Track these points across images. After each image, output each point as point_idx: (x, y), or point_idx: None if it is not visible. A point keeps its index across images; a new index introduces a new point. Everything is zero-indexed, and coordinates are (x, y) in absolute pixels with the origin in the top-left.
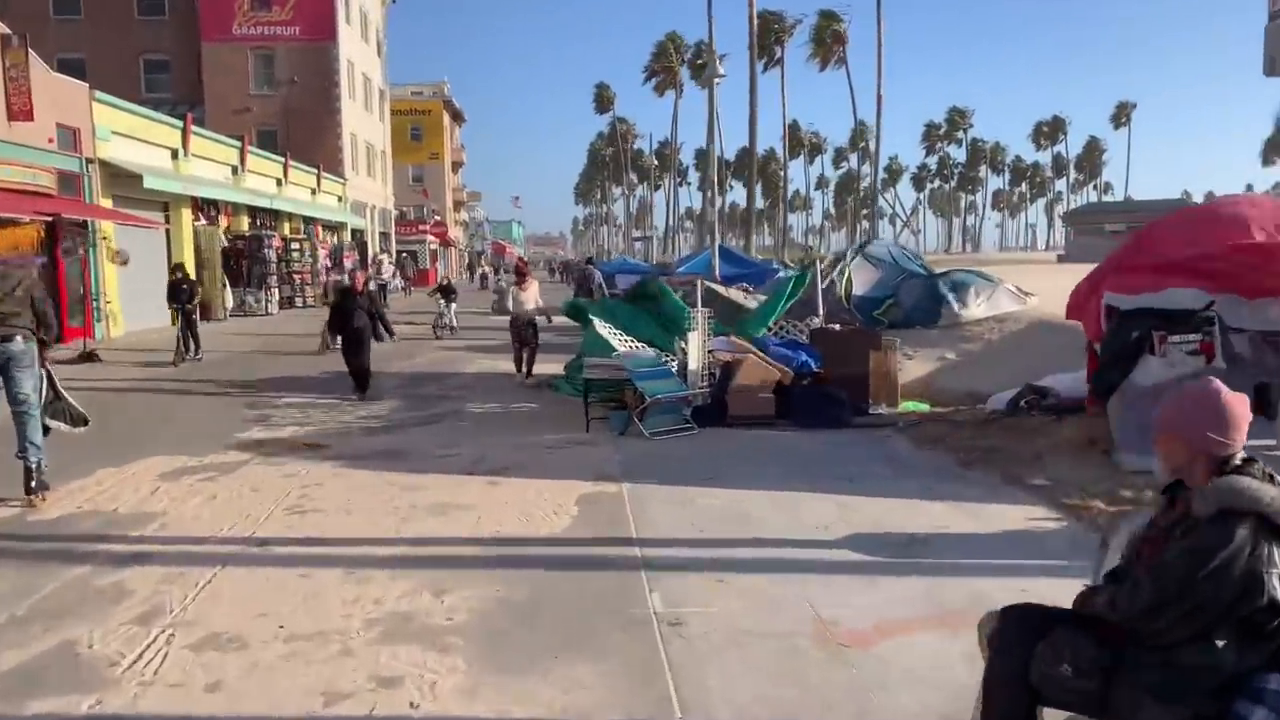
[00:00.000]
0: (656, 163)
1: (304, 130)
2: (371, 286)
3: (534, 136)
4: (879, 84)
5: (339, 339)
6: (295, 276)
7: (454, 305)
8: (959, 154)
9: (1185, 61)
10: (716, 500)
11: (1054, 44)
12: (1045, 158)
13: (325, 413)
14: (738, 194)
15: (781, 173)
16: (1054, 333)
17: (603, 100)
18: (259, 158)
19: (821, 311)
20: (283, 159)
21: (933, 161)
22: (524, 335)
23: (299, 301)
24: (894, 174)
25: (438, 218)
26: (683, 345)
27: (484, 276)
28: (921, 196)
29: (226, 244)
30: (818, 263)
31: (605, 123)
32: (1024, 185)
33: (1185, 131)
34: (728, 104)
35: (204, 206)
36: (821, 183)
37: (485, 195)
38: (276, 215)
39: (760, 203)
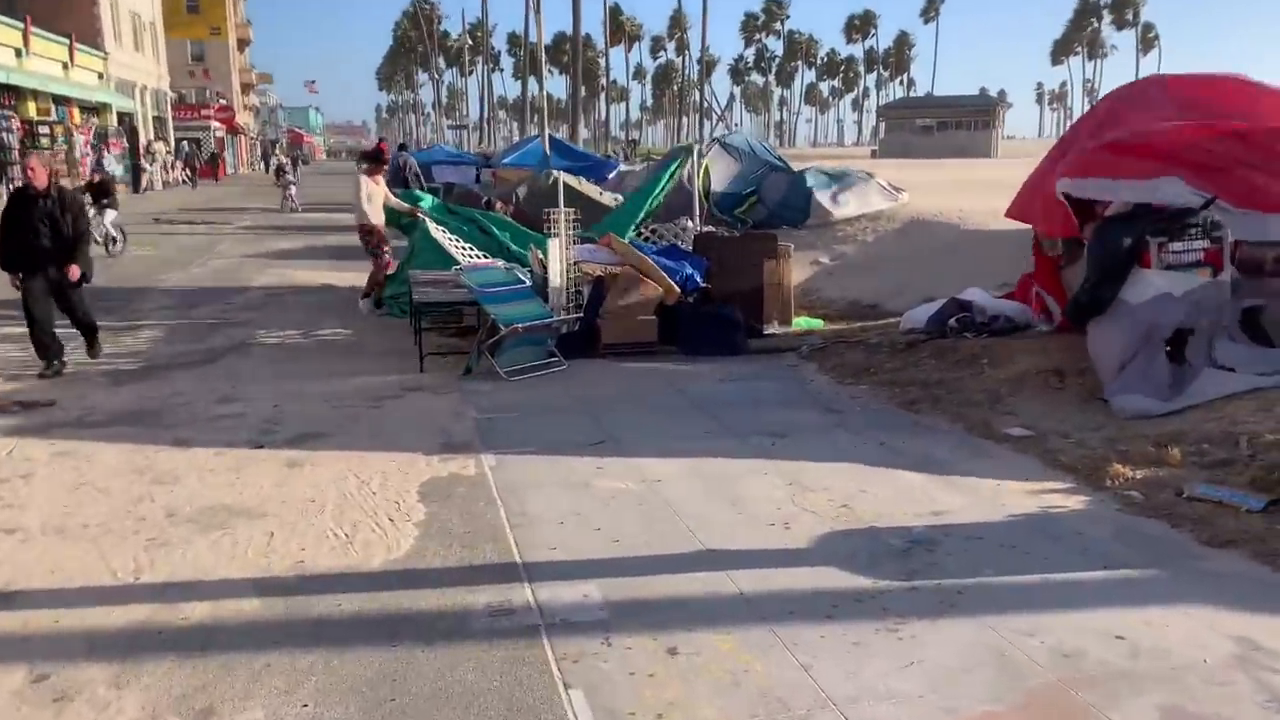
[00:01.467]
0: (471, 43)
1: None
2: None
3: (330, 13)
4: None
5: (20, 278)
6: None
7: (111, 215)
8: (776, 46)
9: None
10: (621, 479)
11: None
12: (858, 52)
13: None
14: (555, 84)
15: (601, 61)
16: (931, 232)
17: None
18: None
19: (698, 212)
20: (21, 24)
21: (750, 54)
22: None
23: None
24: (710, 66)
25: (223, 101)
26: (540, 255)
27: (280, 169)
28: (737, 90)
29: None
30: (696, 149)
31: (409, 0)
32: (835, 80)
33: (984, 30)
34: None
35: None
36: (639, 73)
37: (278, 79)
38: (18, 93)
39: (565, 92)
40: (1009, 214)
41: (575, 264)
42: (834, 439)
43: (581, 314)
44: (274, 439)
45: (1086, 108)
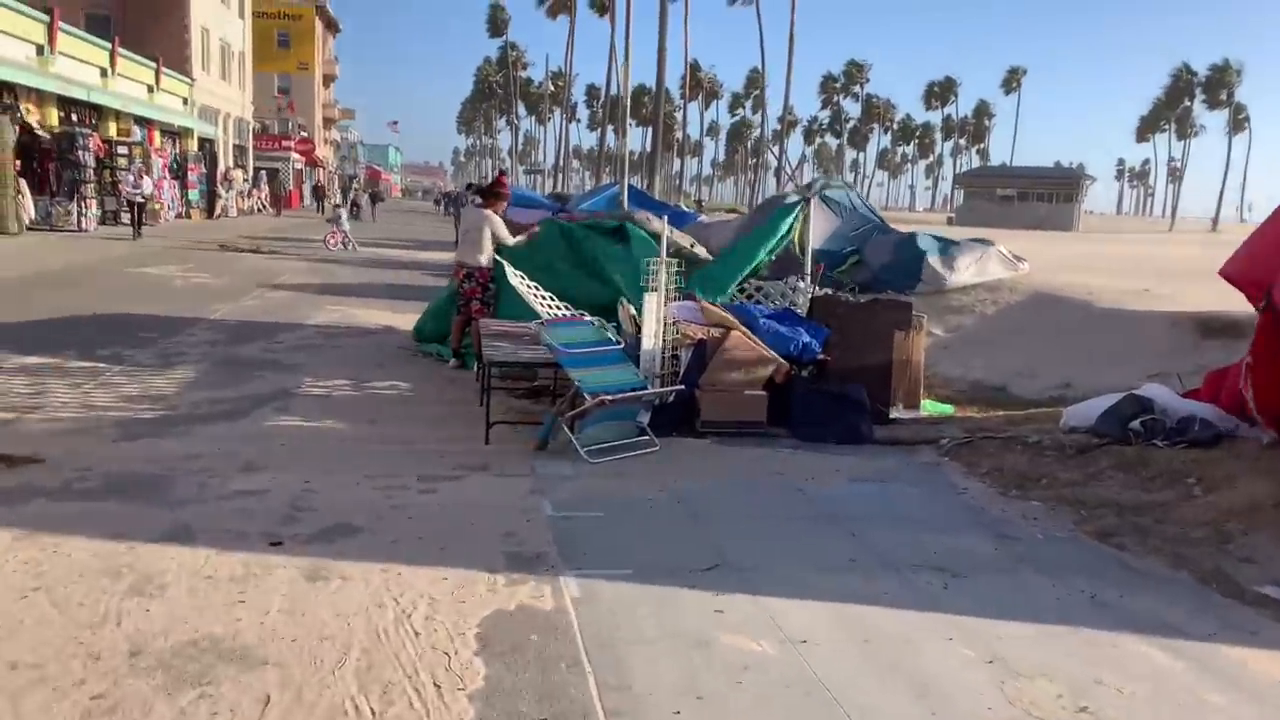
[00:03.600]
0: (553, 89)
1: (144, 18)
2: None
3: (417, 57)
4: (792, 19)
5: None
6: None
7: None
8: (854, 109)
9: (1073, 36)
10: (751, 635)
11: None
12: (935, 118)
13: (70, 384)
14: (631, 135)
15: (678, 114)
16: (1059, 308)
17: (497, 23)
18: (75, 39)
19: (809, 270)
20: (109, 44)
21: (826, 116)
22: (477, 295)
23: (126, 217)
24: (788, 126)
25: (304, 133)
26: (632, 311)
27: (356, 205)
28: (807, 151)
29: (25, 138)
30: (815, 195)
31: (496, 47)
32: (909, 146)
33: (1063, 105)
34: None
35: None
36: (713, 129)
37: (360, 116)
38: (100, 112)
39: (644, 144)
40: (1227, 272)
41: (674, 323)
42: (1023, 583)
43: (678, 383)
44: (297, 533)
45: (1169, 186)
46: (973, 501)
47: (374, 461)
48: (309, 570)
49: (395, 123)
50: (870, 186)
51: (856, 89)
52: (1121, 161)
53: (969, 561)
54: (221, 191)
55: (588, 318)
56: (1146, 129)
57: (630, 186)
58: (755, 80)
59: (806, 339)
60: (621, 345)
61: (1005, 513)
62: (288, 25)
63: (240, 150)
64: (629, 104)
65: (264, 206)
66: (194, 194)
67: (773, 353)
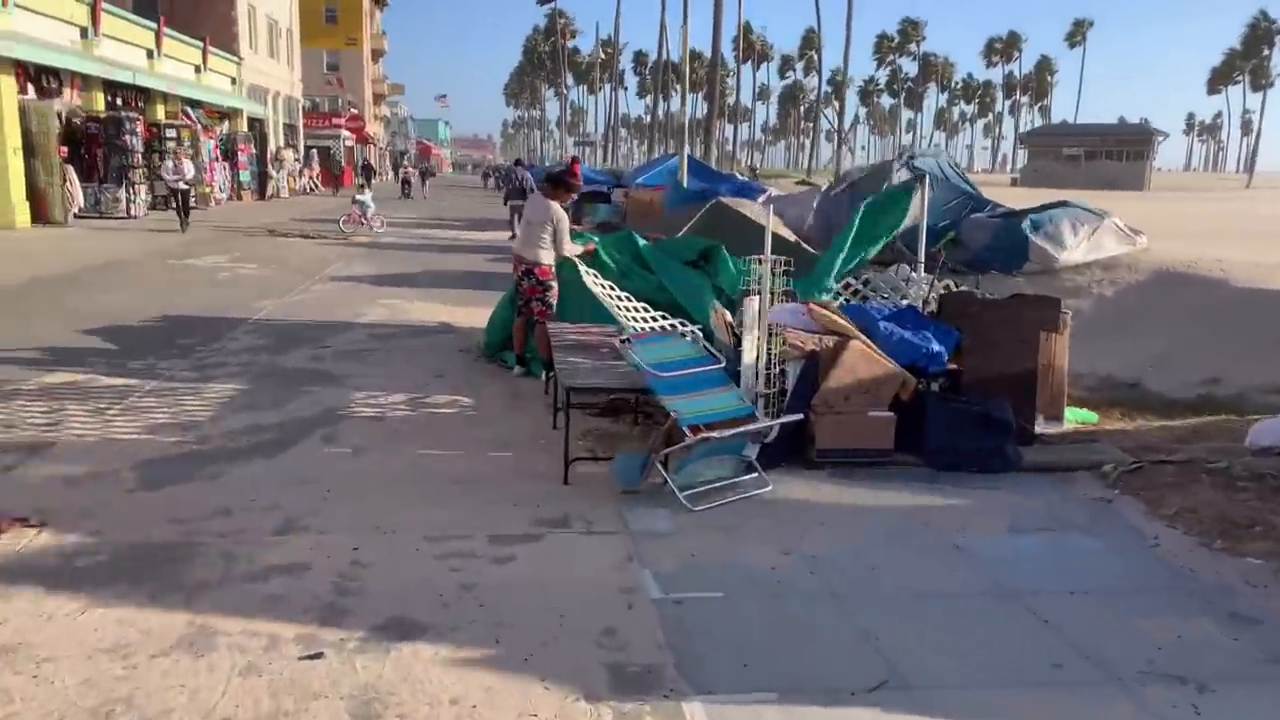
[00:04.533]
0: (603, 56)
1: None
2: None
3: (464, 27)
4: None
5: None
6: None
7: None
8: (910, 68)
9: None
10: None
11: None
12: (996, 75)
13: (93, 409)
14: (674, 101)
15: (730, 80)
16: (1189, 288)
17: None
18: (119, 19)
19: (924, 257)
20: (155, 25)
21: (882, 76)
22: (537, 295)
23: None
24: (839, 87)
25: (354, 110)
26: (727, 318)
27: (406, 182)
28: (860, 112)
29: (70, 124)
30: (931, 169)
31: (543, 15)
32: (968, 104)
33: (1130, 59)
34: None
35: (36, 75)
36: (764, 93)
37: (408, 91)
38: (146, 95)
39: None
40: None
41: (780, 332)
42: None
43: (786, 403)
44: (342, 637)
45: (1243, 140)
46: (1174, 560)
47: (436, 512)
48: (358, 704)
49: (444, 96)
50: (926, 147)
51: (913, 47)
52: (1191, 115)
53: (1209, 662)
54: (273, 172)
55: (680, 327)
56: (1219, 80)
57: (690, 158)
58: (810, 40)
59: (936, 346)
60: (723, 364)
61: (1221, 576)
62: (335, 0)
63: (290, 129)
64: (687, 69)
65: (315, 186)
66: (245, 175)
67: (898, 365)
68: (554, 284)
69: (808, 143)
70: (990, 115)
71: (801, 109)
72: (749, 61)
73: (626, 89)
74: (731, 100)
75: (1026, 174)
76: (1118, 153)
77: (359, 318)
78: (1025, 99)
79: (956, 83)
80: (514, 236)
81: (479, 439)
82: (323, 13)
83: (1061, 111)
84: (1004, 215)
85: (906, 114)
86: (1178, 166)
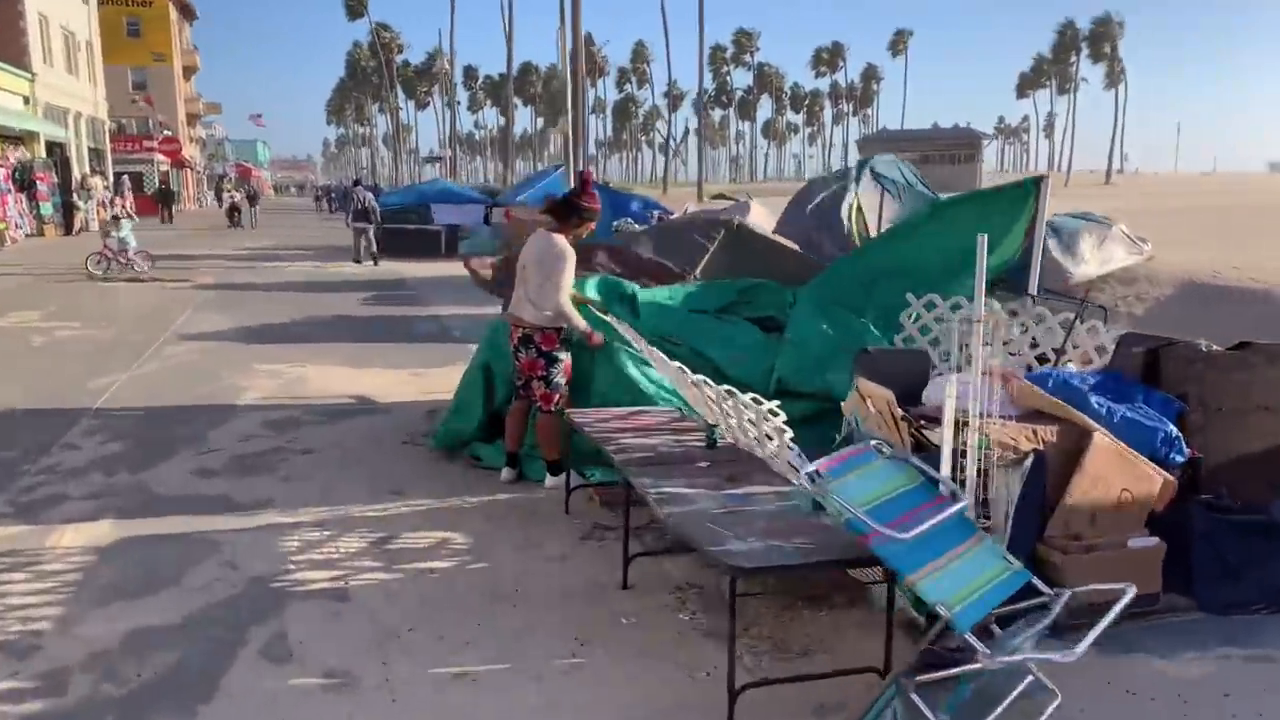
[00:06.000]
0: (448, 69)
1: None
2: None
3: (278, 41)
4: None
5: None
6: None
7: None
8: (746, 79)
9: None
10: None
11: None
12: (824, 85)
13: None
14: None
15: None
16: (1230, 303)
17: (354, 4)
18: None
19: (1034, 288)
20: None
21: (714, 88)
22: (539, 372)
23: None
24: (676, 99)
25: (168, 132)
26: (889, 403)
27: (235, 209)
28: (689, 122)
29: None
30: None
31: (362, 31)
32: (796, 114)
33: (948, 66)
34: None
35: None
36: (599, 106)
37: (225, 110)
38: None
39: (531, 125)
40: None
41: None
42: None
43: (993, 525)
44: None
45: (1047, 142)
46: None
47: None
48: None
49: (259, 115)
50: (758, 156)
51: (747, 58)
52: (1001, 119)
53: None
54: (79, 202)
55: (874, 443)
56: (1027, 85)
57: (579, 172)
58: (640, 54)
59: (1172, 428)
60: (960, 498)
61: None
62: (138, 12)
63: (97, 154)
64: (570, 81)
65: (130, 215)
66: (47, 207)
67: (1151, 464)
68: (563, 356)
69: (642, 155)
70: (815, 125)
71: (638, 121)
72: (589, 75)
73: (459, 104)
74: (574, 114)
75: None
76: (950, 156)
77: (241, 396)
78: (850, 107)
79: (785, 91)
80: (358, 260)
81: (521, 628)
82: (124, 25)
83: (887, 119)
84: None
85: (739, 125)
86: (992, 169)
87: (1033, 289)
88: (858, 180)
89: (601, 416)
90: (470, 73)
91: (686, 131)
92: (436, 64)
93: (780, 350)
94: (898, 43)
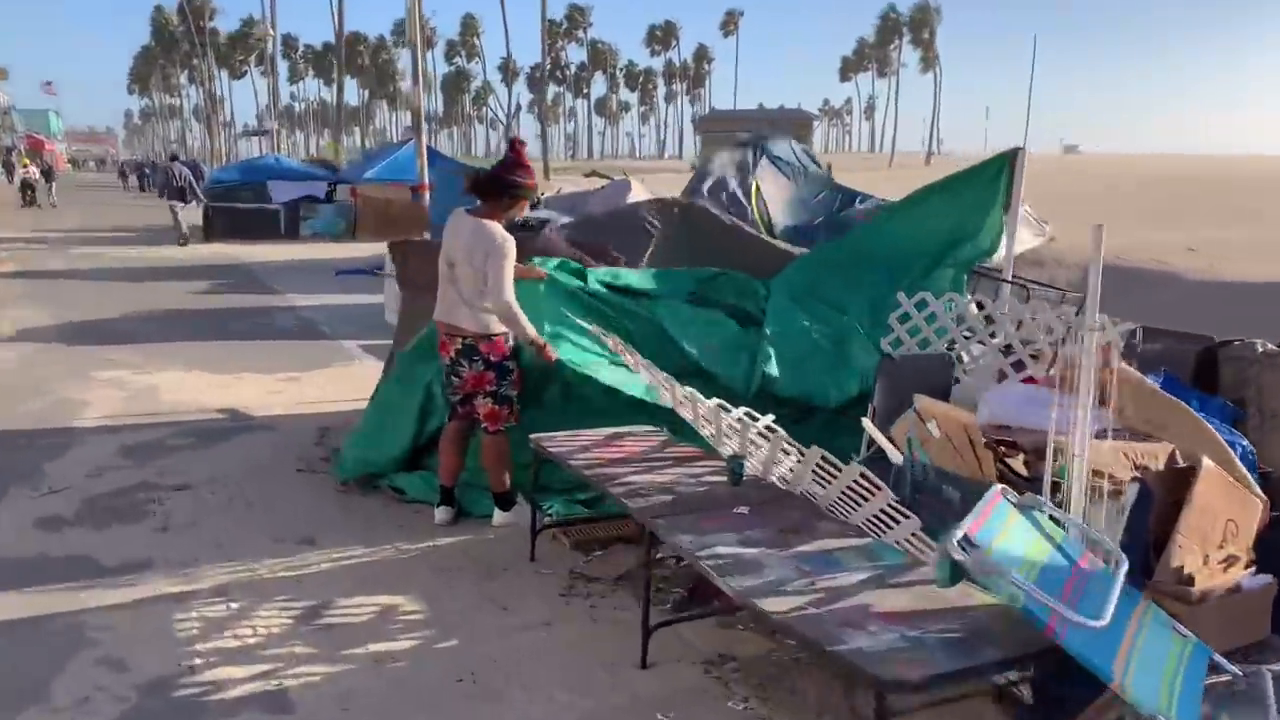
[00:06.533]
0: (271, 33)
1: None
2: None
3: (68, 4)
4: None
5: None
6: None
7: None
8: (579, 55)
9: None
10: None
11: None
12: (658, 64)
13: None
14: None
15: (397, 64)
16: (1140, 285)
17: None
18: None
19: (1010, 273)
20: None
21: (550, 64)
22: (487, 386)
23: None
24: (513, 74)
25: None
26: (964, 419)
27: (29, 186)
28: (521, 98)
29: None
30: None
31: None
32: (631, 91)
33: (777, 47)
34: None
35: None
36: (426, 80)
37: (9, 75)
38: None
39: (357, 98)
40: None
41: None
42: None
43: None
44: None
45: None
46: None
47: None
48: None
49: (50, 83)
50: (591, 135)
51: (580, 34)
52: (826, 101)
53: None
54: None
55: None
56: (850, 68)
57: (431, 150)
58: (470, 26)
59: (1246, 443)
60: (1125, 564)
61: None
62: None
63: None
64: (419, 46)
65: None
66: None
67: (1253, 486)
68: (514, 365)
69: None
70: (649, 103)
71: (471, 96)
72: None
73: (277, 74)
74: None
75: (705, 161)
76: (784, 136)
77: (81, 414)
78: (684, 86)
79: (619, 69)
80: (184, 242)
81: None
82: None
83: (720, 99)
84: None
85: (573, 103)
86: (818, 150)
87: (1008, 274)
88: (755, 162)
89: (578, 442)
90: (290, 42)
91: (519, 108)
92: (255, 30)
93: (760, 347)
94: (729, 23)
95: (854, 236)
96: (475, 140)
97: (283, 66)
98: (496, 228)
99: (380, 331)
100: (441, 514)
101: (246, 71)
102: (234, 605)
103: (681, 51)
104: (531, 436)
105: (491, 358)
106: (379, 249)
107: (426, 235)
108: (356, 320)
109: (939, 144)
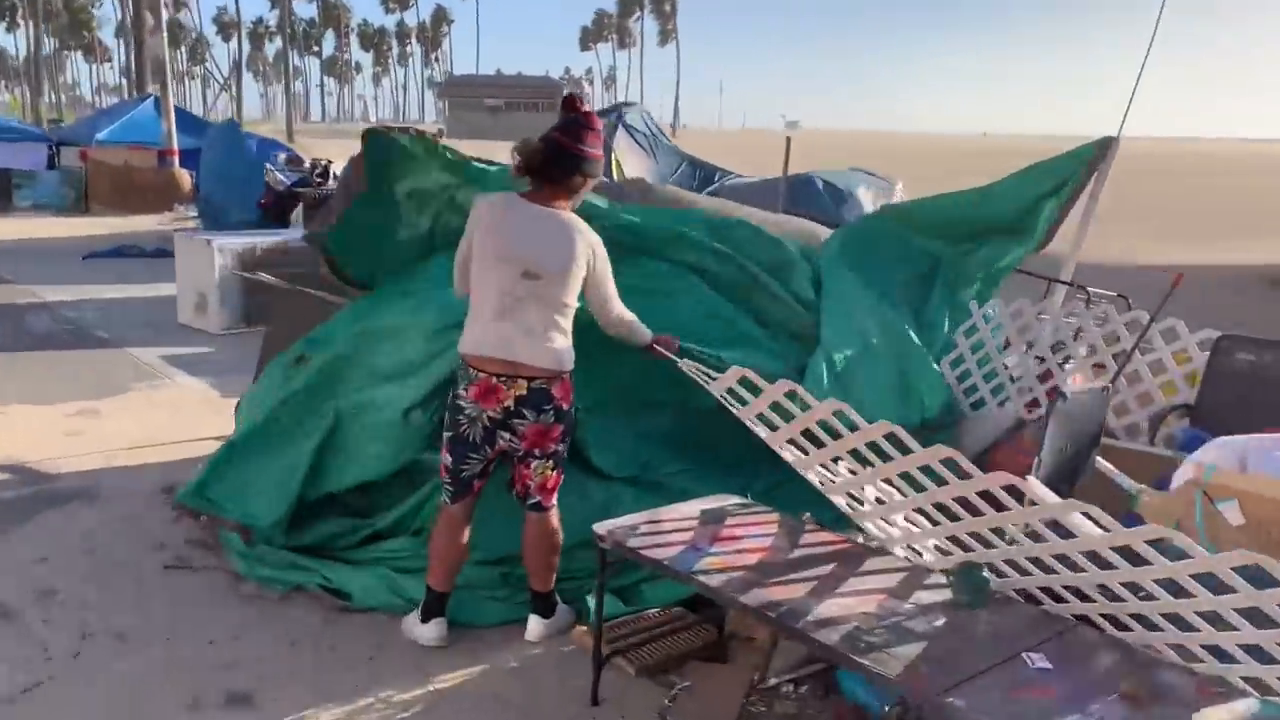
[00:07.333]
0: None
1: None
2: None
3: None
4: None
5: None
6: None
7: None
8: (309, 11)
9: None
10: None
11: None
12: (393, 23)
13: None
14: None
15: (95, 11)
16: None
17: None
18: None
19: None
20: None
21: (273, 18)
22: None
23: None
24: (226, 28)
25: None
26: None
27: None
28: (240, 56)
29: None
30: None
31: None
32: (366, 52)
33: (518, 13)
34: None
35: None
36: (122, 30)
37: None
38: None
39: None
40: None
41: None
42: None
43: None
44: None
45: (607, 94)
46: None
47: None
48: None
49: None
50: (322, 96)
51: None
52: (567, 70)
53: None
54: None
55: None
56: (590, 38)
57: (176, 108)
58: None
59: None
60: None
61: None
62: None
63: None
64: None
65: None
66: None
67: None
68: (577, 413)
69: (186, 87)
70: (383, 65)
71: (183, 50)
72: None
73: None
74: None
75: (452, 125)
76: (532, 104)
77: None
78: (421, 50)
79: (352, 27)
80: None
81: None
82: None
83: (461, 64)
84: (772, 184)
85: (297, 61)
86: None
87: (1067, 275)
88: (613, 132)
89: (665, 530)
90: None
91: (235, 65)
92: None
93: (811, 364)
94: None
95: (906, 213)
96: (190, 97)
97: None
98: (584, 229)
99: (177, 336)
100: (433, 631)
101: None
102: None
103: (419, 12)
104: (597, 528)
105: (564, 405)
106: (123, 225)
107: (191, 209)
108: (138, 320)
109: (676, 118)
